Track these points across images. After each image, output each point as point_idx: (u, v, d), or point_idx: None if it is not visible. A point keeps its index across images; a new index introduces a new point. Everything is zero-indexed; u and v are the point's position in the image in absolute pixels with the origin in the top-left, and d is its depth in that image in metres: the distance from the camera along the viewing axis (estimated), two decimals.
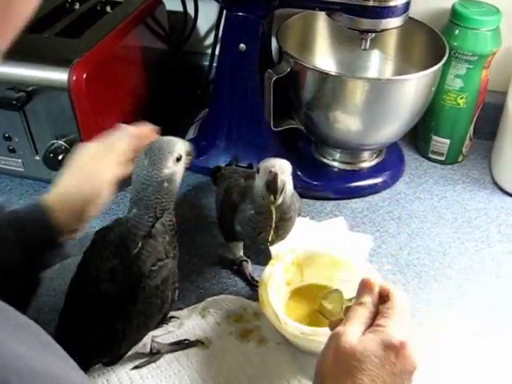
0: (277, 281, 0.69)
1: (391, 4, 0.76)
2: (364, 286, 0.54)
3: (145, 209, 0.59)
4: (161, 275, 0.58)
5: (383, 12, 0.77)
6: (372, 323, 0.52)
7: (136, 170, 0.59)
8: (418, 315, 0.73)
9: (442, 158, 0.98)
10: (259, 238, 0.71)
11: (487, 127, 0.97)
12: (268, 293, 0.67)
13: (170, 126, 1.04)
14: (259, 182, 0.65)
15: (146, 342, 0.65)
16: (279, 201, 0.64)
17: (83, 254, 0.62)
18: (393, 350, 0.48)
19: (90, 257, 0.60)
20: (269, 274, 0.70)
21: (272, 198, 0.64)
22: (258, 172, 0.66)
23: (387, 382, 0.47)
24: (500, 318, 0.73)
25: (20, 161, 0.90)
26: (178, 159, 0.59)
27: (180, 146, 0.60)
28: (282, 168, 0.64)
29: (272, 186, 0.63)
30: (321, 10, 0.80)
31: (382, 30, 0.80)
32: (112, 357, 0.63)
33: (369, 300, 0.53)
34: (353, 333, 0.50)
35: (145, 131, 0.71)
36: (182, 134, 1.01)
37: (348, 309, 0.55)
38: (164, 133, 1.01)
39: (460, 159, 0.98)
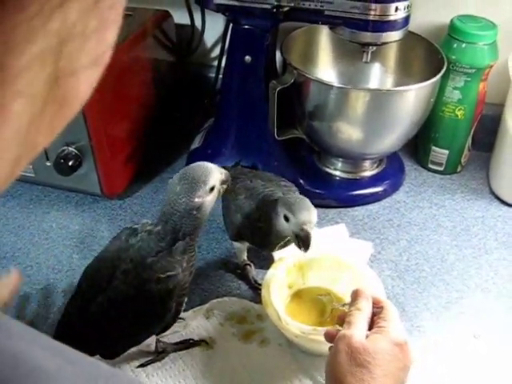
0: (279, 283, 0.72)
1: (391, 18, 0.79)
2: (359, 295, 0.61)
3: (170, 230, 0.59)
4: (167, 284, 0.59)
5: (384, 26, 0.80)
6: (369, 327, 0.58)
7: (168, 192, 0.59)
8: (416, 319, 0.75)
9: (441, 169, 1.00)
10: (266, 246, 0.74)
11: (485, 139, 1.00)
12: (270, 294, 0.69)
13: (177, 134, 1.08)
14: (286, 227, 0.67)
15: (150, 342, 0.67)
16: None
17: (109, 243, 0.64)
18: (399, 347, 0.54)
19: (111, 252, 0.62)
20: (271, 275, 0.72)
21: (302, 250, 0.66)
22: (286, 219, 0.66)
23: (395, 375, 0.54)
24: (495, 322, 0.75)
25: (31, 166, 0.93)
26: (211, 189, 0.59)
27: (215, 176, 0.59)
28: (312, 223, 0.65)
29: (303, 243, 0.65)
30: (323, 23, 0.83)
31: (383, 44, 0.83)
32: (108, 351, 0.64)
33: (366, 306, 0.59)
34: (360, 334, 0.56)
35: None
36: (188, 143, 1.04)
37: (334, 310, 0.64)
38: (171, 140, 1.05)
39: (459, 169, 1.01)
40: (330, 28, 0.85)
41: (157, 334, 0.66)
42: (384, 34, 0.81)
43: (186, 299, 0.64)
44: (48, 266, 0.83)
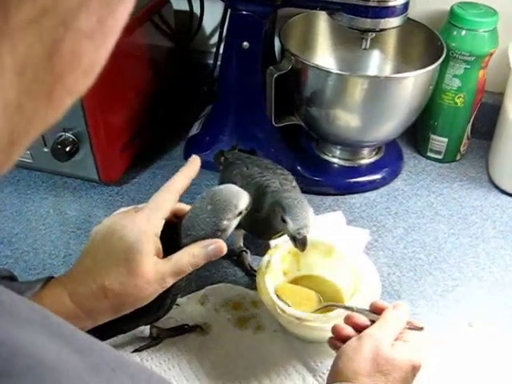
0: (273, 269, 0.71)
1: (390, 4, 0.79)
2: (399, 307, 0.60)
3: (186, 243, 0.58)
4: None
5: (382, 12, 0.79)
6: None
7: (195, 209, 0.58)
8: (411, 306, 0.75)
9: (440, 157, 1.00)
10: (262, 236, 0.74)
11: (485, 127, 0.99)
12: (265, 281, 0.69)
13: (175, 121, 1.08)
14: (283, 226, 0.66)
15: (144, 328, 0.68)
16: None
17: None
18: (413, 369, 0.55)
19: None
20: (266, 262, 0.72)
21: (298, 249, 0.66)
22: (283, 221, 0.66)
23: None
24: (491, 311, 0.75)
25: (29, 152, 0.93)
26: (239, 213, 0.59)
27: (245, 202, 0.59)
28: (309, 227, 0.65)
29: (299, 245, 0.65)
30: (322, 9, 0.83)
31: (381, 30, 0.82)
32: (97, 335, 0.64)
33: (401, 317, 0.59)
34: (389, 342, 0.56)
35: (188, 177, 0.62)
36: (186, 130, 1.03)
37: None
38: (169, 127, 1.05)
39: (458, 158, 1.00)
40: (329, 14, 0.84)
41: (147, 324, 0.66)
42: (383, 20, 0.80)
43: (180, 295, 0.64)
44: (45, 252, 0.84)
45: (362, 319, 0.60)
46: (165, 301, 0.61)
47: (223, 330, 0.72)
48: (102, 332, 0.64)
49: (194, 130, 1.02)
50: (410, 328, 0.59)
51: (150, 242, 0.55)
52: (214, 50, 1.01)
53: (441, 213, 0.91)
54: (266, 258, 0.73)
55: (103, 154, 0.89)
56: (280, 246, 0.74)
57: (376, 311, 0.61)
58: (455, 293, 0.78)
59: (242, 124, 0.94)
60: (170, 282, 0.56)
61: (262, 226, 0.73)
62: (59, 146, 0.86)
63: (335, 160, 0.98)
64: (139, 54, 0.97)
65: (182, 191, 0.60)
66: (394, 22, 0.81)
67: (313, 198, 0.93)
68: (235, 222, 0.59)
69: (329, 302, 0.71)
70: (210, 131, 0.98)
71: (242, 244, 0.82)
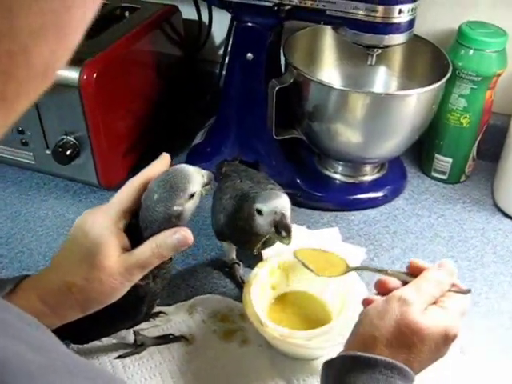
0: (261, 283, 0.71)
1: (395, 21, 0.78)
2: (443, 265, 0.55)
3: (148, 237, 0.57)
4: (137, 292, 0.58)
5: (387, 28, 0.79)
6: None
7: (145, 200, 0.56)
8: None
9: (444, 177, 0.98)
10: (245, 245, 0.74)
11: (491, 149, 0.97)
12: (251, 294, 0.69)
13: (179, 130, 1.08)
14: (263, 221, 0.65)
15: (126, 335, 0.67)
16: (291, 240, 0.64)
17: None
18: (448, 340, 0.50)
19: None
20: (254, 275, 0.71)
21: (285, 240, 0.64)
22: (259, 213, 0.65)
23: (427, 363, 0.51)
24: (484, 338, 0.73)
25: (31, 154, 0.94)
26: (191, 196, 0.56)
27: (196, 182, 0.56)
28: (286, 207, 0.64)
29: (283, 225, 0.63)
30: (326, 23, 0.82)
31: (386, 47, 0.81)
32: (77, 338, 0.64)
33: (444, 280, 0.53)
34: (421, 308, 0.50)
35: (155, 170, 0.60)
36: (190, 138, 1.04)
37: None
38: (172, 135, 1.05)
39: (462, 179, 0.98)
40: (333, 29, 0.84)
41: (127, 328, 0.66)
42: (387, 36, 0.79)
43: (157, 301, 0.64)
44: (39, 253, 0.84)
45: (396, 283, 0.54)
46: (140, 307, 0.60)
47: (208, 341, 0.72)
48: (81, 336, 0.64)
49: (198, 139, 1.03)
50: (453, 291, 0.52)
51: (112, 236, 0.54)
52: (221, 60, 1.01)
53: (441, 234, 0.89)
54: (254, 271, 0.72)
55: (103, 159, 0.90)
56: (269, 259, 0.73)
57: (415, 273, 0.54)
58: None
59: (243, 136, 0.94)
60: (136, 275, 0.54)
61: (243, 234, 0.71)
62: (60, 149, 0.87)
63: (337, 176, 0.97)
64: (147, 60, 0.97)
65: (146, 185, 0.58)
66: (398, 38, 0.80)
67: (311, 213, 0.92)
68: (191, 205, 0.56)
69: (318, 316, 0.70)
70: (213, 141, 0.98)
71: (234, 256, 0.81)
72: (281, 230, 0.64)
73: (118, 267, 0.53)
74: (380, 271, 0.58)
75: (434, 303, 0.52)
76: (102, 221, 0.55)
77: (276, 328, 0.65)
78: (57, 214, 0.91)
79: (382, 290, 0.54)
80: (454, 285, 0.54)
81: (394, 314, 0.49)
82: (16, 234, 0.87)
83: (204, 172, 0.59)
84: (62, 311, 0.54)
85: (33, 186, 0.97)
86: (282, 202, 0.64)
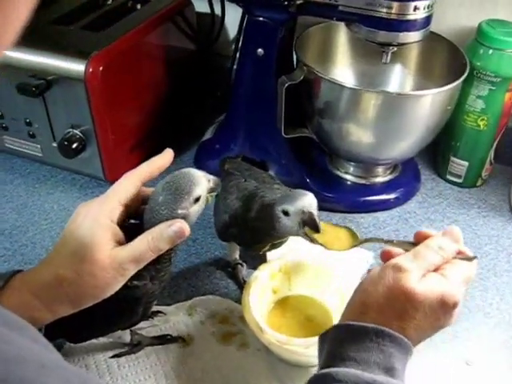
0: (261, 286, 0.69)
1: (410, 18, 0.75)
2: (450, 233, 0.52)
3: None
4: (134, 292, 0.57)
5: (402, 25, 0.76)
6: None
7: (150, 201, 0.55)
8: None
9: (460, 181, 0.95)
10: (254, 246, 0.72)
11: (510, 152, 0.94)
12: (250, 297, 0.67)
13: (189, 125, 1.06)
14: (290, 223, 0.62)
15: (122, 334, 0.66)
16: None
17: None
18: (446, 307, 0.47)
19: None
20: (254, 278, 0.69)
21: (314, 232, 0.61)
22: (285, 214, 0.62)
23: (426, 332, 0.48)
24: (492, 350, 0.70)
25: (39, 146, 0.93)
26: (197, 200, 0.55)
27: (202, 186, 0.55)
28: (314, 206, 0.62)
29: (312, 224, 0.61)
30: (338, 19, 0.79)
31: (400, 44, 0.79)
32: (72, 337, 0.63)
33: (448, 246, 0.51)
34: (417, 275, 0.48)
35: (155, 166, 0.59)
36: (199, 135, 1.02)
37: None
38: (182, 131, 1.03)
39: (479, 183, 0.95)
40: (346, 25, 0.81)
41: (122, 329, 0.65)
42: (402, 34, 0.76)
43: (155, 303, 0.63)
44: (42, 247, 0.84)
45: (401, 253, 0.52)
46: (137, 307, 0.59)
47: (206, 343, 0.70)
48: (75, 334, 0.63)
49: (207, 135, 1.01)
50: (459, 258, 0.50)
51: (105, 228, 0.53)
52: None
53: None
54: (255, 273, 0.70)
55: (109, 154, 0.89)
56: (271, 262, 0.72)
57: (421, 242, 0.52)
58: (456, 326, 0.73)
59: (253, 133, 0.92)
60: (130, 269, 0.53)
61: (256, 234, 0.69)
62: (66, 143, 0.86)
63: (348, 176, 0.94)
64: (157, 54, 0.96)
65: (145, 179, 0.58)
66: (414, 36, 0.77)
67: (319, 214, 0.89)
68: (195, 209, 0.55)
69: (320, 322, 0.68)
70: (221, 138, 0.97)
71: (237, 256, 0.79)
72: (311, 228, 0.61)
73: (110, 261, 0.52)
74: (386, 242, 0.56)
75: (436, 271, 0.49)
76: (95, 213, 0.54)
77: (274, 334, 0.63)
78: (62, 207, 0.91)
79: (387, 259, 0.52)
80: (459, 252, 0.51)
81: (386, 280, 0.47)
82: (20, 227, 0.87)
83: (211, 177, 0.57)
84: (54, 306, 0.53)
85: (40, 178, 0.97)
86: (308, 200, 0.62)
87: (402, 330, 0.47)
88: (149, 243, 0.53)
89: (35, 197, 0.93)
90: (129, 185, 0.57)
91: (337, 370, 0.45)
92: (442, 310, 0.47)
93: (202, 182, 0.55)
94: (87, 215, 0.54)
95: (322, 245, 0.61)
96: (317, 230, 0.61)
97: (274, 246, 0.71)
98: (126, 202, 0.56)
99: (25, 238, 0.85)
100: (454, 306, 0.48)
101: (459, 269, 0.50)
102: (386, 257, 0.53)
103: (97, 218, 0.53)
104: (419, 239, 0.53)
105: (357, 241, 0.62)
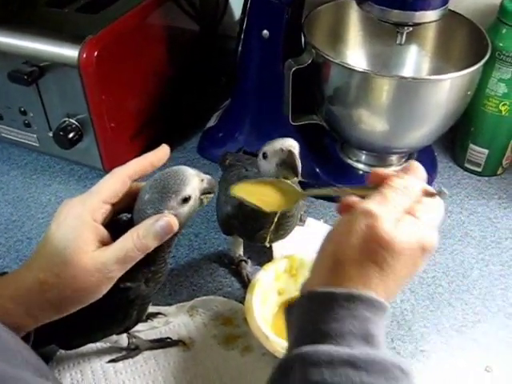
0: (265, 288, 0.65)
1: None
2: (411, 169, 0.48)
3: None
4: (127, 294, 0.54)
5: (418, 4, 0.70)
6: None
7: (137, 200, 0.52)
8: (422, 341, 0.67)
9: (479, 169, 0.89)
10: (257, 235, 0.67)
11: None
12: (253, 300, 0.63)
13: (192, 111, 1.01)
14: (268, 165, 0.59)
15: (118, 338, 0.63)
16: (299, 178, 0.58)
17: None
18: (426, 252, 0.43)
19: None
20: (259, 278, 0.65)
21: (292, 175, 0.57)
22: (264, 157, 0.60)
23: (404, 281, 0.44)
24: None
25: (35, 136, 0.89)
26: (186, 200, 0.51)
27: (192, 186, 0.51)
28: (293, 146, 0.59)
29: (290, 163, 0.57)
30: None
31: (416, 24, 0.73)
32: (64, 343, 0.60)
33: (413, 184, 0.45)
34: (390, 220, 0.42)
35: (147, 162, 0.54)
36: (203, 121, 0.97)
37: None
38: (185, 118, 0.98)
39: (499, 172, 0.89)
40: (358, 4, 0.75)
41: (117, 334, 0.61)
42: (418, 13, 0.70)
43: (149, 305, 0.59)
44: (38, 242, 0.79)
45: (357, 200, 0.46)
46: (130, 311, 0.55)
47: (207, 347, 0.66)
48: (67, 341, 0.60)
49: (212, 121, 0.96)
50: (426, 195, 0.45)
51: (87, 228, 0.49)
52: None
53: (471, 234, 0.81)
54: (259, 274, 0.66)
55: (107, 143, 0.84)
56: (275, 262, 0.67)
57: (378, 183, 0.46)
58: (475, 330, 0.68)
59: (259, 120, 0.87)
60: (116, 271, 0.49)
61: (253, 220, 0.65)
62: (61, 133, 0.82)
63: (360, 165, 0.89)
64: (157, 36, 0.91)
65: (134, 176, 0.53)
66: (430, 15, 0.71)
67: (329, 206, 0.85)
68: (185, 210, 0.51)
69: None
70: (226, 125, 0.92)
71: (241, 253, 0.75)
72: (288, 166, 0.57)
73: (93, 263, 0.48)
74: (336, 191, 0.50)
75: (408, 213, 0.44)
76: (77, 212, 0.50)
77: (278, 342, 0.59)
78: (59, 199, 0.87)
79: (346, 211, 0.46)
80: (425, 190, 0.45)
81: (359, 229, 0.42)
82: (16, 221, 0.83)
83: (205, 176, 0.53)
84: (36, 312, 0.49)
85: (37, 168, 0.93)
86: (288, 142, 0.59)
87: (383, 283, 0.42)
88: (134, 241, 0.49)
89: (32, 189, 0.89)
90: (115, 182, 0.52)
91: (307, 350, 0.39)
92: (422, 256, 0.43)
93: (193, 181, 0.51)
94: (69, 214, 0.50)
95: (258, 206, 0.54)
96: (294, 171, 0.57)
97: (277, 236, 0.67)
98: (112, 200, 0.52)
99: (20, 234, 0.81)
100: (432, 249, 0.43)
101: (430, 208, 0.45)
102: (344, 209, 0.46)
103: (79, 217, 0.49)
104: (375, 180, 0.47)
105: (299, 195, 0.55)
